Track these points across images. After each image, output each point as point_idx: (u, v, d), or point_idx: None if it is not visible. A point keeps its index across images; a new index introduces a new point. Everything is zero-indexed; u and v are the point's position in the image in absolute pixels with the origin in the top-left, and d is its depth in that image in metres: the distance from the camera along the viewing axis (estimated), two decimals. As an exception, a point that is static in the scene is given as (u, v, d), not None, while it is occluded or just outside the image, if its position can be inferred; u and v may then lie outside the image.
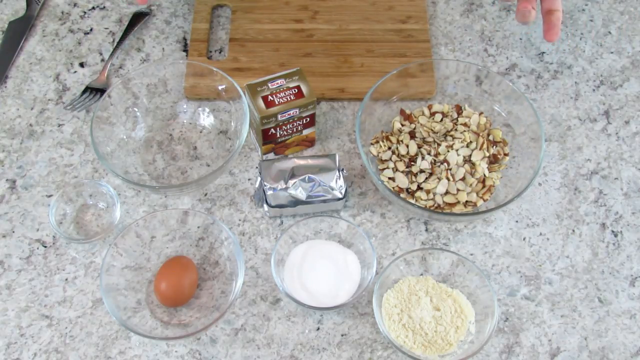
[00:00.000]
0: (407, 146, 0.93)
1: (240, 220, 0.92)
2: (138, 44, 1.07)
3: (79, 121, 0.99)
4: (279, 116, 0.90)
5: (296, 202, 0.89)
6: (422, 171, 0.91)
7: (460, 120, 0.95)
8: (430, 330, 0.82)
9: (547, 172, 0.96)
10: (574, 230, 0.92)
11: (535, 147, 0.91)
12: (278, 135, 0.93)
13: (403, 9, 1.09)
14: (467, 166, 0.91)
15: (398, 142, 0.94)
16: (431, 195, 0.90)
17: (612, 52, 1.07)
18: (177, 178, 0.94)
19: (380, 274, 0.84)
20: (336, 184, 0.88)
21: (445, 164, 0.90)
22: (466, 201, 0.90)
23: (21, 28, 1.07)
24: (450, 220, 0.91)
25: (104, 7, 1.11)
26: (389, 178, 0.92)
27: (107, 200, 0.92)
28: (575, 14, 1.11)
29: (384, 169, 0.92)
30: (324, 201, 0.89)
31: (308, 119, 0.92)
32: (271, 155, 0.95)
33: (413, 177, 0.91)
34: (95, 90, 1.01)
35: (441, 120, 0.96)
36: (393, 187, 0.91)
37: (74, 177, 0.94)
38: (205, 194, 0.93)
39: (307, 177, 0.88)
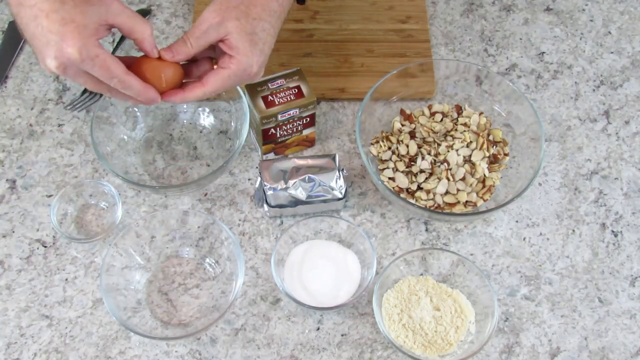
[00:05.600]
0: (407, 146, 0.93)
1: (240, 220, 0.92)
2: (138, 44, 1.07)
3: (79, 121, 0.99)
4: (279, 116, 0.90)
5: (296, 202, 0.89)
6: (422, 171, 0.91)
7: (460, 120, 0.95)
8: (430, 330, 0.82)
9: (547, 172, 0.96)
10: (574, 230, 0.92)
11: (535, 147, 0.91)
12: (278, 135, 0.93)
13: (403, 9, 1.09)
14: (467, 166, 0.90)
15: (398, 142, 0.94)
16: (431, 195, 0.90)
17: (612, 52, 1.07)
18: (177, 178, 0.94)
19: (380, 274, 0.83)
20: (336, 184, 0.88)
21: (445, 164, 0.90)
22: (466, 201, 0.90)
23: (21, 28, 1.07)
24: (450, 220, 0.91)
25: (104, 7, 1.11)
26: (389, 178, 0.92)
27: (108, 200, 0.92)
28: (575, 14, 1.11)
29: (384, 169, 0.92)
30: (324, 201, 0.89)
31: (308, 119, 0.92)
32: (271, 155, 0.95)
33: (413, 177, 0.91)
34: (95, 90, 1.01)
35: (441, 120, 0.96)
36: (393, 187, 0.91)
37: (74, 177, 0.94)
38: (205, 194, 0.93)
39: (307, 177, 0.88)
